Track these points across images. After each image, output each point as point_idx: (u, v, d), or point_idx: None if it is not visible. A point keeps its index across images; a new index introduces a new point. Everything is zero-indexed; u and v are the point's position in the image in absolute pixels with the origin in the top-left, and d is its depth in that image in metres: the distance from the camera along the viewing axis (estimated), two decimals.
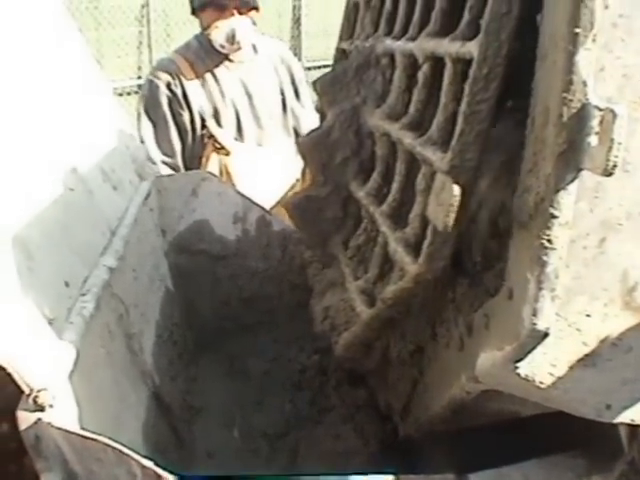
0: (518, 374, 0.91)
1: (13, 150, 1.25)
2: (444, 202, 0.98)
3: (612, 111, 0.76)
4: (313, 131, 1.61)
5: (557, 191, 0.80)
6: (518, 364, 0.90)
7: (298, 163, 1.84)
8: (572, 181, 0.80)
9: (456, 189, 0.96)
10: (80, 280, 1.26)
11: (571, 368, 0.92)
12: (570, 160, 0.80)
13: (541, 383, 0.92)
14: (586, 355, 0.92)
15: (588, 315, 0.90)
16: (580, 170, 0.80)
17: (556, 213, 0.81)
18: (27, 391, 0.91)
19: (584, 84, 0.79)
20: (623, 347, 0.93)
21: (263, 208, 2.20)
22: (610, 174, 0.77)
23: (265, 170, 3.08)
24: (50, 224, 1.25)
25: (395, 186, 1.27)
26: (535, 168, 0.85)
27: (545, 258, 0.82)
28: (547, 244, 0.82)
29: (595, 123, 0.78)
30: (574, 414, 1.04)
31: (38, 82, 1.53)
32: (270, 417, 1.73)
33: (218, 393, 1.86)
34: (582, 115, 0.79)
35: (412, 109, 1.25)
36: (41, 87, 1.53)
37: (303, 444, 1.57)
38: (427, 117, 1.18)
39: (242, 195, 2.19)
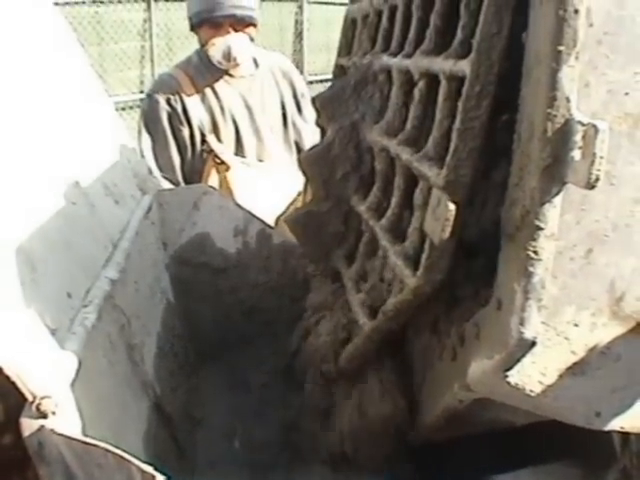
0: (508, 382, 0.93)
1: (15, 164, 1.27)
2: (440, 217, 1.00)
3: (594, 126, 0.79)
4: (314, 147, 1.63)
5: (542, 204, 0.83)
6: (508, 372, 0.92)
7: (299, 178, 1.86)
8: (557, 194, 0.83)
9: (451, 205, 0.99)
10: (82, 291, 1.29)
11: (560, 376, 0.95)
12: (554, 174, 0.82)
13: (531, 391, 0.94)
14: (575, 364, 0.94)
15: (576, 325, 0.93)
16: (564, 183, 0.82)
17: (541, 225, 0.84)
18: (30, 398, 0.93)
19: (567, 100, 0.82)
20: (612, 356, 0.96)
21: (263, 222, 2.22)
22: (593, 187, 0.80)
23: (265, 185, 3.09)
24: (53, 237, 1.28)
25: (394, 201, 1.30)
26: (521, 182, 0.88)
27: (531, 269, 0.85)
28: (533, 255, 0.84)
29: (578, 138, 0.81)
30: (564, 422, 1.06)
31: (39, 96, 1.56)
32: (270, 428, 1.75)
33: (219, 404, 1.88)
34: (566, 130, 0.82)
35: (409, 125, 1.27)
36: (42, 101, 1.56)
37: (304, 455, 1.59)
38: (424, 133, 1.21)
39: (243, 208, 2.21)
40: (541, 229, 0.84)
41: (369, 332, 1.30)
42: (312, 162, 1.60)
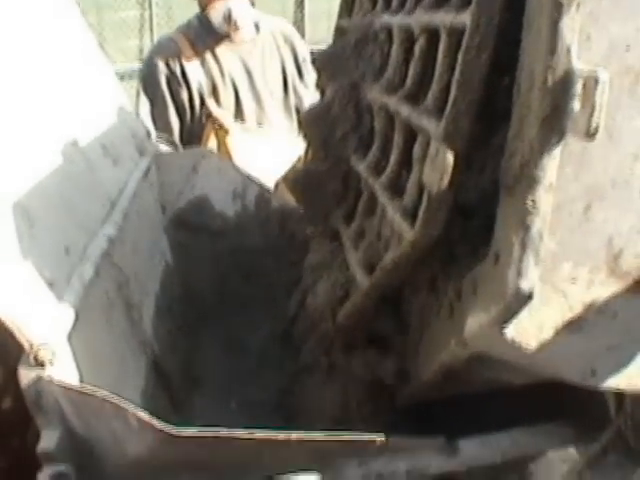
0: (505, 337, 0.93)
1: (15, 121, 1.27)
2: (438, 167, 1.00)
3: (595, 76, 0.78)
4: (313, 106, 1.63)
5: (541, 154, 0.82)
6: (504, 327, 0.92)
7: (299, 143, 1.85)
8: (556, 145, 0.82)
9: (449, 154, 0.98)
10: (80, 248, 1.29)
11: (557, 332, 0.94)
12: (554, 124, 0.82)
13: (527, 347, 0.94)
14: (572, 320, 0.94)
15: (573, 281, 0.92)
16: (564, 134, 0.82)
17: (540, 176, 0.83)
18: (28, 348, 0.94)
19: (568, 50, 0.81)
20: (609, 313, 0.95)
21: (262, 185, 2.22)
22: (592, 138, 0.79)
23: (264, 150, 3.08)
24: (51, 193, 1.28)
25: (393, 158, 1.29)
26: (520, 133, 0.87)
27: (529, 221, 0.84)
28: (531, 207, 0.84)
29: (578, 88, 0.80)
30: (560, 379, 1.07)
31: (40, 58, 1.55)
32: (267, 390, 1.76)
33: (216, 365, 1.88)
34: (566, 80, 0.81)
35: (409, 82, 1.27)
36: (43, 63, 1.56)
37: (300, 414, 1.60)
38: (424, 89, 1.20)
39: (241, 172, 2.21)
40: (539, 180, 0.83)
41: (367, 289, 1.30)
42: (311, 121, 1.59)
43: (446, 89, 1.06)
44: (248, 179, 2.19)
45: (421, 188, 1.12)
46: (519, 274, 0.86)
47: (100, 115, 1.87)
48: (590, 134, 0.79)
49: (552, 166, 0.83)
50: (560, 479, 1.35)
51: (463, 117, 0.98)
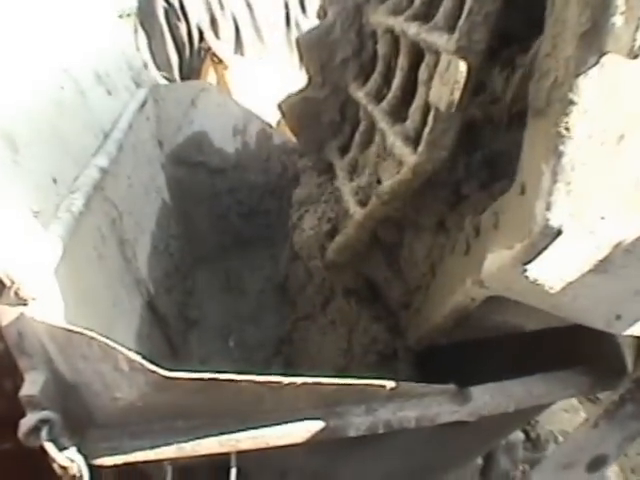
0: (527, 277, 0.86)
1: (3, 42, 1.19)
2: (449, 80, 0.92)
3: None
4: (313, 29, 1.54)
5: (577, 75, 0.74)
6: (527, 266, 0.85)
7: (301, 77, 1.77)
8: (594, 65, 0.74)
9: (462, 65, 0.90)
10: (69, 178, 1.21)
11: (582, 273, 0.87)
12: (593, 41, 0.73)
13: (550, 288, 0.87)
14: (599, 260, 0.87)
15: (603, 218, 0.84)
16: (603, 53, 0.73)
17: (575, 99, 0.74)
18: (8, 283, 0.85)
19: None
20: (637, 254, 0.88)
21: (264, 121, 2.14)
22: (636, 56, 0.71)
23: (265, 85, 2.99)
24: (38, 119, 1.19)
25: (396, 82, 1.22)
26: (554, 51, 0.78)
27: (562, 148, 0.76)
28: (564, 132, 0.75)
29: (621, 2, 0.71)
30: (582, 324, 1.00)
31: None
32: (265, 331, 1.71)
33: (214, 306, 1.84)
34: None
35: (417, 1, 1.19)
36: None
37: (298, 355, 1.55)
38: (434, 7, 1.12)
39: (242, 107, 2.12)
40: (574, 103, 0.75)
41: (361, 219, 1.23)
42: (310, 45, 1.51)
43: (459, 5, 0.98)
44: (249, 114, 2.11)
45: (425, 111, 1.06)
46: (548, 207, 0.78)
47: (95, 45, 1.77)
48: (633, 53, 0.70)
49: (589, 88, 0.74)
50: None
51: (478, 30, 0.90)
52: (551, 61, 0.78)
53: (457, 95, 0.91)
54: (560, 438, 2.13)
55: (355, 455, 1.23)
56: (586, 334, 1.13)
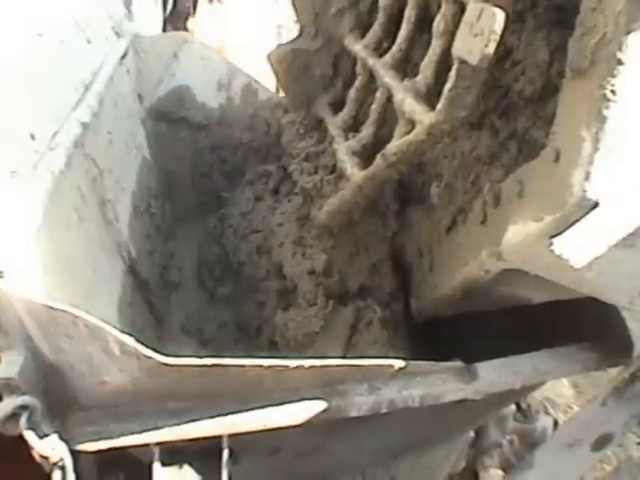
0: (552, 251, 0.79)
1: None
2: (483, 31, 0.84)
3: None
4: None
5: (628, 32, 0.66)
6: (554, 239, 0.77)
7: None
8: None
9: (499, 13, 0.82)
10: (48, 134, 1.11)
11: (609, 248, 0.80)
12: None
13: (575, 264, 0.80)
14: (628, 234, 0.80)
15: (637, 190, 0.77)
16: None
17: (624, 58, 0.66)
18: None
19: None
20: None
21: (249, 75, 2.04)
22: None
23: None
24: (12, 70, 1.09)
25: (402, 34, 1.15)
26: (601, 5, 0.70)
27: (606, 112, 0.68)
28: (609, 95, 0.68)
29: None
30: (604, 300, 0.94)
31: None
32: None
33: (194, 267, 1.75)
34: None
35: None
36: None
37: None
38: None
39: (227, 60, 2.03)
40: (623, 63, 0.66)
41: (360, 181, 1.16)
42: None
43: None
44: (234, 68, 2.01)
45: (440, 67, 0.99)
46: (587, 177, 0.70)
47: None
48: None
49: None
50: None
51: None
52: (598, 16, 0.70)
53: (492, 48, 0.82)
54: (550, 409, 2.10)
55: (350, 430, 1.17)
56: (591, 310, 1.08)
